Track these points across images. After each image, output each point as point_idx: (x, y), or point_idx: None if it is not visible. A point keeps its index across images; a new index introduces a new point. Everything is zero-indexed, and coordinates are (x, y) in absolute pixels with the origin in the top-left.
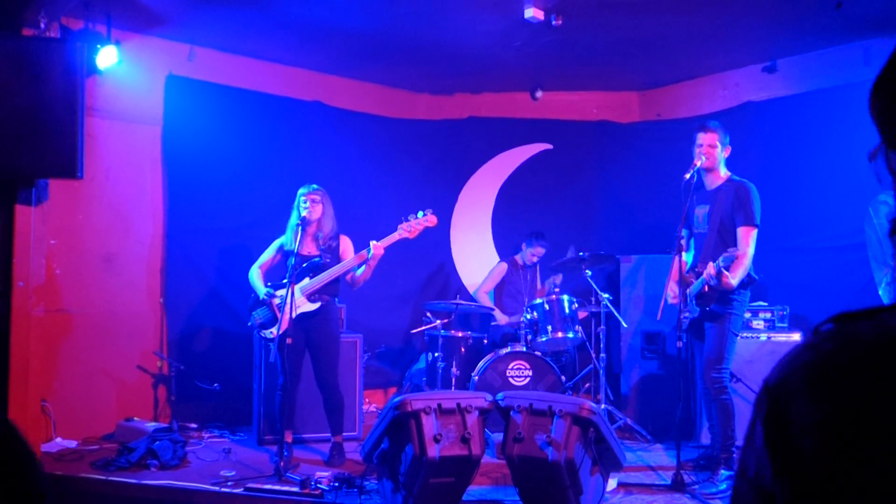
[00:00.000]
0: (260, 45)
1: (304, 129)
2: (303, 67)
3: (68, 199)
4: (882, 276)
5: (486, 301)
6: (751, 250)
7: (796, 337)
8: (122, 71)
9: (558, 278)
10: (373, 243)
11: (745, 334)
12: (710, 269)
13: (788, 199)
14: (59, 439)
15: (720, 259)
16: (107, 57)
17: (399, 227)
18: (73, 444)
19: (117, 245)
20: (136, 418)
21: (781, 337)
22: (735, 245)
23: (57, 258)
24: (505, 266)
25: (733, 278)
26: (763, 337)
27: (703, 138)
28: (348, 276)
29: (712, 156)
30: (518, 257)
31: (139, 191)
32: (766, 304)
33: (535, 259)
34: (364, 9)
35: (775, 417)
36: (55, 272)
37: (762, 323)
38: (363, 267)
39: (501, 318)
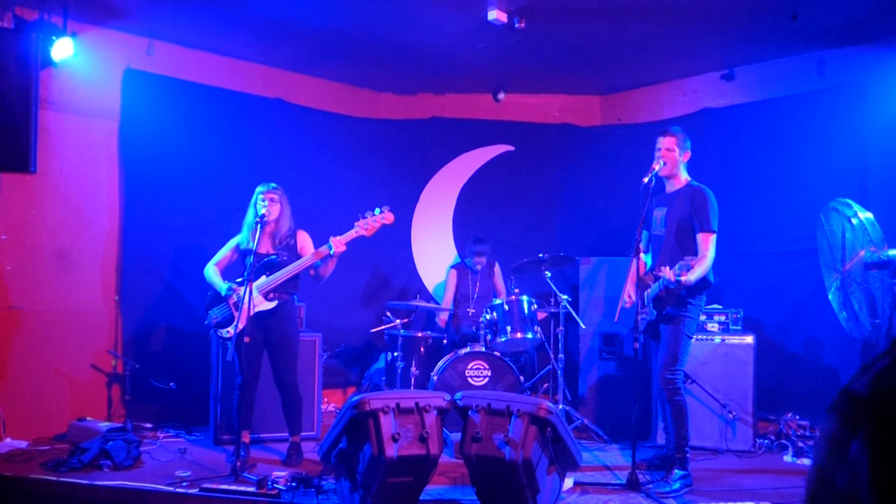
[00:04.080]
0: (221, 41)
1: (264, 127)
2: (264, 64)
3: (21, 194)
4: (832, 280)
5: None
6: (710, 254)
7: (749, 339)
8: (78, 64)
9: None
10: (332, 239)
11: (699, 336)
12: (669, 274)
13: (743, 204)
14: (8, 440)
15: (677, 266)
16: (63, 49)
17: (356, 224)
18: (23, 444)
19: (71, 241)
20: (88, 418)
21: (735, 339)
22: (691, 247)
23: (8, 254)
24: (455, 272)
25: (692, 275)
26: (717, 339)
27: (661, 142)
28: (311, 271)
29: (671, 159)
30: (467, 261)
31: (95, 186)
32: (720, 307)
33: (478, 266)
34: (327, 7)
35: (887, 435)
36: (6, 268)
37: (716, 325)
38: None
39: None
